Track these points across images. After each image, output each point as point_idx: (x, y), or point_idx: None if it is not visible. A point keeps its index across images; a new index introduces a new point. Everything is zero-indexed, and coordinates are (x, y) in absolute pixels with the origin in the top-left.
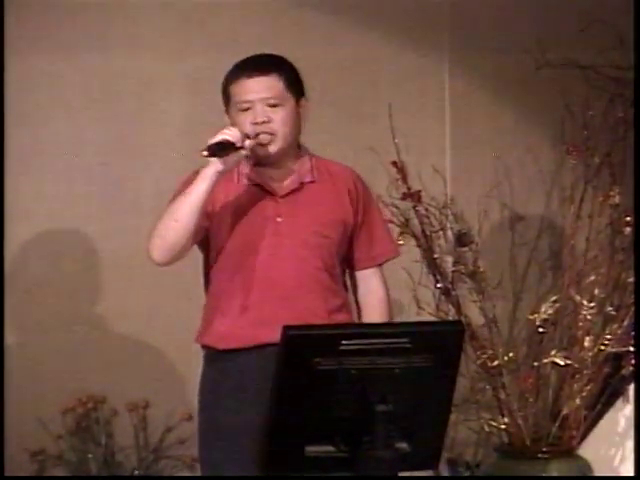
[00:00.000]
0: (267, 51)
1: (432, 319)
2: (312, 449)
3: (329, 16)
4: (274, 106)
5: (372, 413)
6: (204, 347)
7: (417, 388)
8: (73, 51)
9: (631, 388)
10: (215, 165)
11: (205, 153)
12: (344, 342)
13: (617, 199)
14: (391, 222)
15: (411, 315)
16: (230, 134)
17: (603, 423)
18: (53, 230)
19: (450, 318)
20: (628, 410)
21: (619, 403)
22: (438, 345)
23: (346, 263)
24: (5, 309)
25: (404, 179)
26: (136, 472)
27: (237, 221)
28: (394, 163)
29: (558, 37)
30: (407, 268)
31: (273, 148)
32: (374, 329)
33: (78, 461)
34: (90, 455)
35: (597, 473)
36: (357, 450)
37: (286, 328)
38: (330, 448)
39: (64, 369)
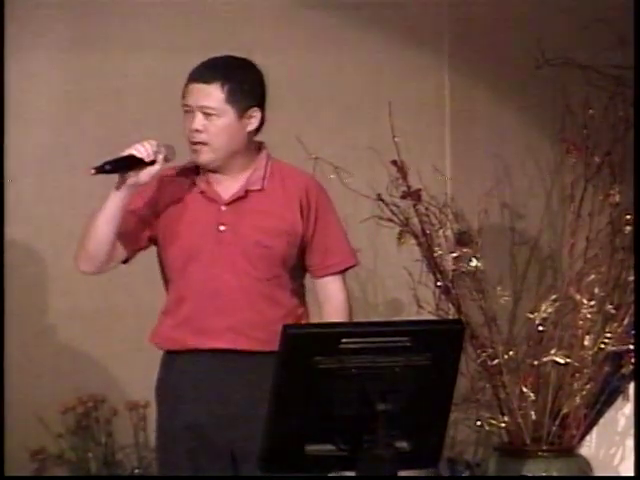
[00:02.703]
0: (265, 51)
1: (432, 318)
2: (312, 448)
3: (329, 16)
4: (210, 115)
5: (372, 412)
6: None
7: (417, 387)
8: (73, 51)
9: (631, 387)
10: (124, 180)
11: (92, 171)
12: (344, 341)
13: (617, 198)
14: (391, 221)
15: (411, 314)
16: (139, 149)
17: (603, 422)
18: (53, 230)
19: (450, 317)
20: (628, 409)
21: (619, 402)
22: (438, 344)
23: (304, 270)
24: (5, 309)
25: (404, 178)
26: (136, 471)
27: (182, 228)
28: (394, 162)
29: (558, 36)
30: (407, 267)
31: (203, 158)
32: (374, 328)
33: (78, 460)
34: (90, 454)
35: (597, 472)
36: (357, 449)
37: (286, 327)
38: (330, 447)
39: (64, 369)
